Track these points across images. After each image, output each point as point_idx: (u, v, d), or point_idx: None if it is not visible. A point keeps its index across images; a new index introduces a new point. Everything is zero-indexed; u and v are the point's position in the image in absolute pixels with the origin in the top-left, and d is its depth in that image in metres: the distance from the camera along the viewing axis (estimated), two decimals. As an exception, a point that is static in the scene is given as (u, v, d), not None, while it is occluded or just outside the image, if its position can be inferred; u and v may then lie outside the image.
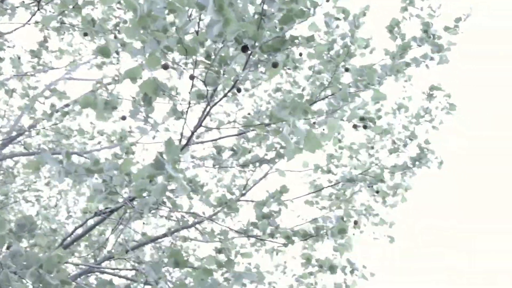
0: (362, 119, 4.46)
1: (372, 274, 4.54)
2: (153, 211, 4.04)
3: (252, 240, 5.46)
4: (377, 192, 4.86)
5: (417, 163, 5.02)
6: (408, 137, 5.04)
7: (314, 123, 3.64)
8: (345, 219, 4.50)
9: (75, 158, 5.96)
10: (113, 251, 4.71)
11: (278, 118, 2.82)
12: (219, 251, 3.73)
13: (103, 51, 2.55)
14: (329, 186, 5.04)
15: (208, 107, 3.05)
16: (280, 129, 2.88)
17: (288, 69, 4.80)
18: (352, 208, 5.01)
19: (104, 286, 2.38)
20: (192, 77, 2.72)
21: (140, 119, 3.06)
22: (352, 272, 4.48)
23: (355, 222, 4.76)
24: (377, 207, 5.24)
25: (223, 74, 2.58)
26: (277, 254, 6.00)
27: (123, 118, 3.26)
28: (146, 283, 2.56)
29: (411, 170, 5.06)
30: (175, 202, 3.13)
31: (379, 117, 5.24)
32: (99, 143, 5.85)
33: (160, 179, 2.38)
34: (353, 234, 5.29)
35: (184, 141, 3.88)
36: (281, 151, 4.04)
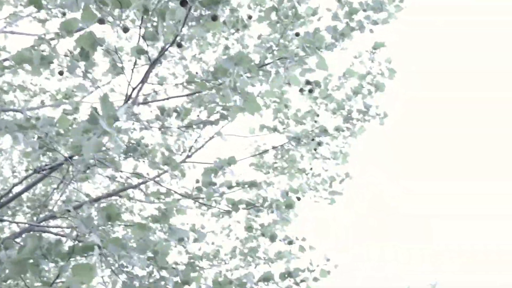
0: (308, 83, 4.50)
1: (312, 248, 4.68)
2: (90, 171, 3.98)
3: (198, 204, 5.50)
4: (319, 144, 4.95)
5: (359, 117, 5.13)
6: (352, 94, 5.13)
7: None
8: (289, 194, 4.59)
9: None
10: (55, 210, 4.64)
11: (223, 69, 2.81)
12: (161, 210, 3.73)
13: (34, 2, 2.45)
14: (274, 148, 5.10)
15: (150, 64, 3.01)
16: (222, 86, 2.88)
17: (237, 29, 4.76)
18: (295, 171, 5.10)
19: (33, 240, 2.36)
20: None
21: (79, 75, 2.98)
22: (290, 243, 4.60)
23: (298, 199, 4.85)
24: (318, 167, 5.36)
25: (163, 29, 2.53)
26: (222, 217, 6.07)
27: (60, 73, 3.17)
28: (77, 238, 2.55)
29: (353, 129, 5.16)
30: (114, 160, 3.09)
31: (327, 85, 5.31)
32: (42, 102, 5.67)
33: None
34: (298, 199, 5.41)
35: (129, 101, 3.83)
36: (225, 112, 4.04)
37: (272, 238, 4.51)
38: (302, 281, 4.16)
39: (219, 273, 5.44)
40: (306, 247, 4.71)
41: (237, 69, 2.65)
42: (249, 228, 4.86)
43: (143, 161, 4.44)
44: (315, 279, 4.23)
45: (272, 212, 4.10)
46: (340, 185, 5.06)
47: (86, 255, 2.55)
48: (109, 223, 2.57)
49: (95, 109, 2.28)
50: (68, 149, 3.17)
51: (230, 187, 4.21)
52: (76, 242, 2.46)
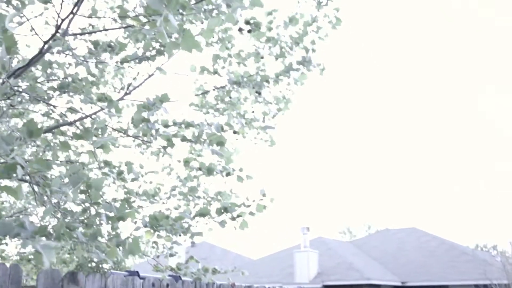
0: (247, 23, 4.46)
1: (249, 177, 4.73)
2: (21, 106, 3.86)
3: (138, 142, 5.45)
4: (259, 93, 4.97)
5: (301, 66, 5.16)
6: (294, 42, 5.13)
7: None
8: (225, 128, 4.60)
9: None
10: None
11: (152, 10, 2.74)
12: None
13: None
14: (215, 89, 5.07)
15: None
16: (157, 23, 2.80)
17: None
18: (236, 114, 5.11)
19: None
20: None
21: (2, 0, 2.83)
22: (228, 174, 4.65)
23: (234, 132, 4.87)
24: (259, 111, 5.39)
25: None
26: (163, 155, 6.05)
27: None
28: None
29: (296, 74, 5.18)
30: (36, 87, 2.97)
31: (270, 29, 5.27)
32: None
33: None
34: (236, 139, 5.45)
35: (60, 33, 3.67)
36: (162, 49, 3.95)
37: (210, 171, 4.55)
38: (238, 216, 4.26)
39: (158, 212, 5.50)
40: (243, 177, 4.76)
41: (167, 10, 2.57)
42: (186, 163, 4.88)
43: (79, 98, 4.33)
44: (251, 214, 4.34)
45: (207, 147, 4.12)
46: (273, 119, 5.09)
47: (9, 176, 2.50)
48: (31, 138, 2.51)
49: None
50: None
51: (166, 126, 4.19)
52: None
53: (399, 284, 22.40)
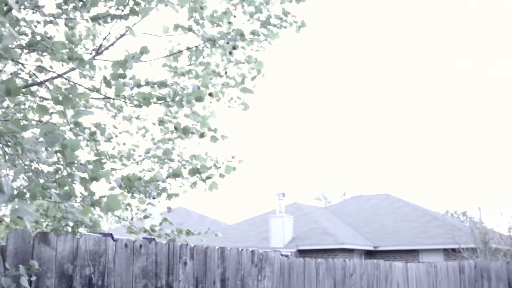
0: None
1: (224, 137, 4.72)
2: None
3: (111, 103, 5.37)
4: (234, 48, 4.91)
5: (276, 23, 5.10)
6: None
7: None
8: (201, 88, 4.55)
9: None
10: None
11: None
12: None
13: None
14: (188, 49, 4.99)
15: None
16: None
17: None
18: (209, 73, 5.05)
19: None
20: None
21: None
22: (202, 135, 4.63)
23: (210, 94, 4.83)
24: (233, 72, 5.35)
25: None
26: (138, 117, 5.98)
27: None
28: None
29: (269, 34, 5.12)
30: (8, 49, 2.88)
31: None
32: None
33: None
34: (210, 102, 5.40)
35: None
36: (136, 8, 3.84)
37: (185, 131, 4.52)
38: (208, 177, 4.28)
39: (132, 174, 5.47)
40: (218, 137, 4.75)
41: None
42: (161, 122, 4.84)
43: (48, 57, 4.23)
44: (221, 176, 4.36)
45: (183, 106, 4.08)
46: (252, 82, 5.05)
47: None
48: (9, 97, 2.45)
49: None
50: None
51: (139, 85, 4.13)
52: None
53: (371, 248, 22.95)
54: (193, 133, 4.45)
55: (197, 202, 78.60)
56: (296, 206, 27.35)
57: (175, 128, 4.70)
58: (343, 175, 79.97)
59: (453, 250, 18.44)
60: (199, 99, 4.15)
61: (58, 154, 3.41)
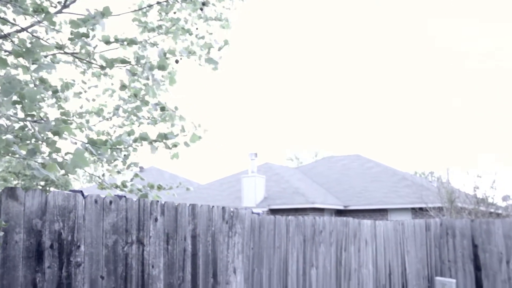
0: None
1: (182, 118, 4.74)
2: None
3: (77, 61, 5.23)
4: (204, 4, 4.82)
5: None
6: None
7: None
8: (168, 55, 4.47)
9: None
10: None
11: None
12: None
13: None
14: (158, 3, 4.87)
15: None
16: None
17: None
18: (178, 28, 4.94)
19: None
20: None
21: None
22: (163, 109, 4.60)
23: (177, 61, 4.74)
24: (203, 30, 5.25)
25: None
26: (104, 74, 5.86)
27: None
28: None
29: None
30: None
31: None
32: None
33: None
34: (173, 69, 5.32)
35: None
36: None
37: (144, 102, 4.47)
38: (174, 145, 4.25)
39: (101, 131, 5.39)
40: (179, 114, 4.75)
41: None
42: (123, 87, 4.76)
43: (11, 9, 4.06)
44: (186, 144, 4.34)
45: (147, 71, 4.02)
46: (218, 52, 4.98)
47: None
48: None
49: None
50: None
51: (107, 42, 4.02)
52: None
53: (341, 207, 23.43)
54: (156, 104, 4.40)
55: (169, 162, 78.46)
56: (268, 167, 27.57)
57: (135, 95, 4.64)
58: (315, 137, 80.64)
59: (421, 209, 18.98)
60: (162, 67, 4.08)
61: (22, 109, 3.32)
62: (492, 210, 15.32)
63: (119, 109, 5.57)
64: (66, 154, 3.28)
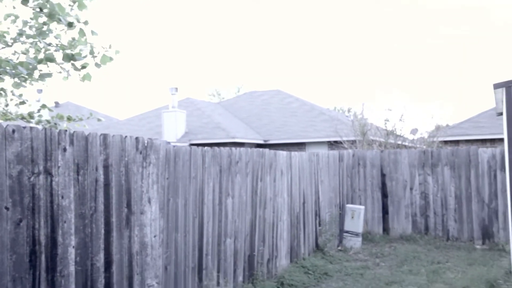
0: None
1: (94, 33, 4.53)
2: None
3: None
4: None
5: None
6: None
7: None
8: None
9: None
10: None
11: None
12: None
13: None
14: None
15: None
16: None
17: None
18: None
19: None
20: None
21: None
22: (70, 25, 4.36)
23: None
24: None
25: None
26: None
27: None
28: None
29: None
30: None
31: None
32: None
33: None
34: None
35: None
36: None
37: (51, 16, 4.20)
38: (83, 66, 4.07)
39: (2, 58, 5.05)
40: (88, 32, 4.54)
41: None
42: (24, 1, 4.45)
43: None
44: (97, 65, 4.17)
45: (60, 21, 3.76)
46: None
47: None
48: None
49: None
50: None
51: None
52: None
53: (261, 142, 23.88)
54: (59, 20, 4.13)
55: (87, 97, 75.50)
56: (189, 101, 27.32)
57: (40, 9, 4.34)
58: (238, 72, 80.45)
59: (336, 142, 19.74)
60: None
61: None
62: (400, 142, 16.23)
63: (22, 35, 5.22)
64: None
